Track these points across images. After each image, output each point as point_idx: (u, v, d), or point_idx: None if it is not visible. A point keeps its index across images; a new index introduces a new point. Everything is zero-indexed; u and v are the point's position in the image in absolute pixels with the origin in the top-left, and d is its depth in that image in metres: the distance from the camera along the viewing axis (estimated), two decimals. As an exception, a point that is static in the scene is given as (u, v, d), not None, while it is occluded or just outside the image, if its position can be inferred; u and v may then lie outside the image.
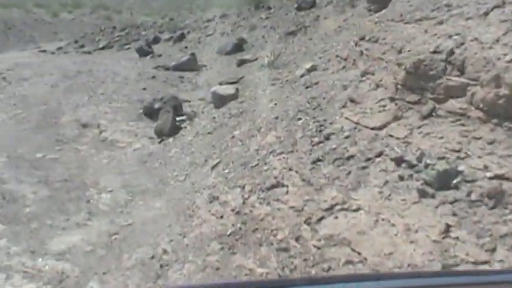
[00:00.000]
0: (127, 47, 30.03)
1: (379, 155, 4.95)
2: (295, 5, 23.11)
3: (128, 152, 8.04)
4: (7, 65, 24.51)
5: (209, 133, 7.45)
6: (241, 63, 15.52)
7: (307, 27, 18.74)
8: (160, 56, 22.78)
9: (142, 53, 23.18)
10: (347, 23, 15.59)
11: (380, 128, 5.36)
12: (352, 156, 5.11)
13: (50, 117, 10.07)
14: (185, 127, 8.71)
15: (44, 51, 35.38)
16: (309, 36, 16.85)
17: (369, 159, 4.96)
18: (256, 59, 15.43)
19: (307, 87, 7.09)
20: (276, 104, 7.15)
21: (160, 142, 8.31)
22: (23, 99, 12.45)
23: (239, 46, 19.14)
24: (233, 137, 6.79)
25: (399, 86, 5.56)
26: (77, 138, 8.89)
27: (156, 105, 9.52)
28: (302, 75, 7.82)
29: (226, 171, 5.89)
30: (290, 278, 3.98)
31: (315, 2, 22.69)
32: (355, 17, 16.00)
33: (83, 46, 34.26)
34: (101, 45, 32.19)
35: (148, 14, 62.84)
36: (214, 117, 8.28)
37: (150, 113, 9.58)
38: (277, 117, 6.48)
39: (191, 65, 17.01)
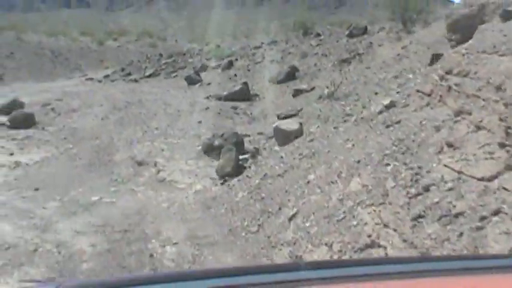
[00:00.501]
0: (174, 74, 29.74)
1: (496, 213, 4.20)
2: (347, 32, 22.52)
3: (189, 195, 7.42)
4: (55, 94, 24.38)
5: (279, 176, 6.77)
6: (297, 93, 14.88)
7: (361, 54, 18.06)
8: (209, 84, 22.35)
9: (191, 81, 22.79)
10: (407, 51, 14.85)
11: (490, 179, 4.60)
12: (461, 214, 4.36)
13: (102, 153, 9.57)
14: (249, 167, 8.05)
15: (91, 79, 35.42)
16: (365, 64, 16.16)
17: (483, 218, 4.21)
18: (312, 89, 14.80)
19: (387, 126, 6.39)
20: (353, 145, 6.46)
21: (223, 183, 7.67)
22: (73, 133, 12.05)
23: (291, 74, 18.55)
24: (308, 182, 6.10)
25: (510, 130, 4.82)
26: (132, 178, 8.32)
27: (216, 142, 8.91)
28: (380, 112, 7.11)
29: (307, 224, 5.21)
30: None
31: (366, 28, 22.06)
32: (414, 45, 15.29)
33: (129, 74, 34.17)
34: (147, 73, 32.03)
35: (193, 41, 63.21)
36: (281, 157, 7.60)
37: (210, 151, 8.96)
38: (359, 161, 5.78)
39: (244, 95, 16.46)
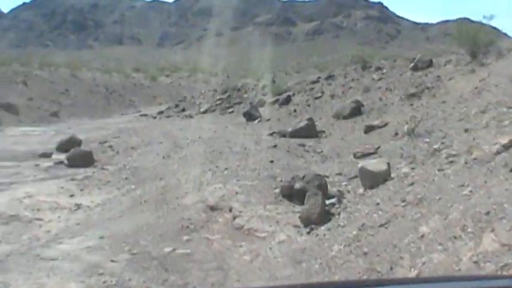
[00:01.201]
0: (230, 110, 29.12)
1: None
2: (410, 65, 21.53)
3: (273, 246, 6.52)
4: (111, 131, 23.98)
5: (381, 226, 5.82)
6: (369, 129, 13.92)
7: (430, 88, 17.03)
8: (268, 120, 21.61)
9: (250, 117, 22.10)
10: (486, 84, 13.83)
11: None
12: None
13: (169, 196, 8.79)
14: (338, 213, 7.11)
15: (145, 115, 35.20)
16: (439, 99, 15.12)
17: None
18: (385, 125, 13.83)
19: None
20: (471, 192, 5.49)
21: (309, 233, 6.75)
22: (135, 172, 11.37)
23: (357, 109, 17.63)
24: (422, 236, 5.13)
25: None
26: (206, 225, 7.48)
27: (297, 185, 8.00)
28: (497, 153, 6.12)
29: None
30: None
31: (431, 61, 21.04)
32: (493, 77, 14.22)
33: (183, 110, 33.78)
34: (202, 109, 31.54)
35: (245, 76, 62.96)
36: (377, 203, 6.66)
37: (290, 194, 8.06)
38: (488, 213, 4.82)
39: (310, 132, 15.58)
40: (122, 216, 8.22)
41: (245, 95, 32.59)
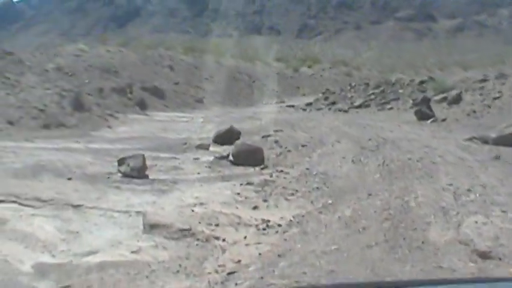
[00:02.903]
0: (389, 106, 26.51)
1: None
2: None
3: None
4: (264, 122, 22.02)
5: None
6: None
7: None
8: (444, 120, 18.71)
9: (422, 116, 19.25)
10: None
11: None
12: None
13: (399, 223, 6.31)
14: None
15: (292, 106, 33.12)
16: None
17: None
18: None
19: None
20: None
21: None
22: (325, 180, 9.02)
23: None
24: None
25: None
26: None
27: None
28: None
29: None
30: None
31: None
32: None
33: (334, 103, 31.44)
34: (356, 103, 29.15)
35: (391, 71, 59.66)
36: None
37: None
38: None
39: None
40: (332, 246, 5.89)
41: (400, 91, 29.89)
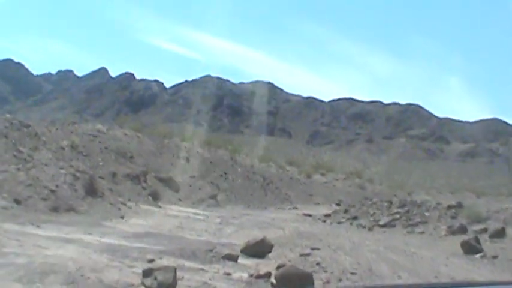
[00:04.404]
0: (419, 230, 24.64)
1: None
2: None
3: None
4: (288, 231, 20.28)
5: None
6: None
7: None
8: (496, 257, 16.77)
9: (470, 249, 17.36)
10: None
11: None
12: None
13: None
14: None
15: (309, 215, 31.33)
16: None
17: None
18: None
19: None
20: None
21: None
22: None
23: None
24: None
25: None
26: None
27: None
28: None
29: None
30: None
31: None
32: None
33: (355, 218, 29.66)
34: (381, 222, 27.36)
35: (392, 188, 58.16)
36: None
37: None
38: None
39: None
40: None
41: (427, 213, 28.16)
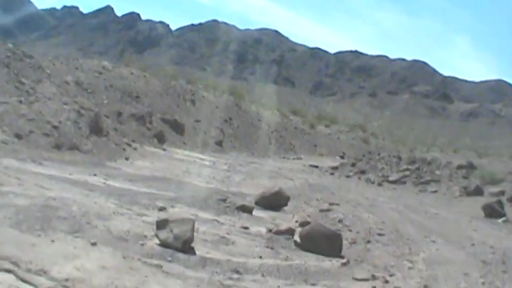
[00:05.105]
0: (431, 189, 23.78)
1: None
2: None
3: None
4: (298, 183, 19.42)
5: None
6: None
7: None
8: (516, 222, 15.88)
9: (491, 212, 16.51)
10: None
11: None
12: None
13: None
14: None
15: (315, 167, 30.52)
16: None
17: None
18: None
19: None
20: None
21: None
22: None
23: None
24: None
25: None
26: None
27: None
28: None
29: None
30: None
31: None
32: None
33: (363, 172, 28.82)
34: (391, 178, 26.54)
35: (395, 142, 57.46)
36: None
37: None
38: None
39: None
40: None
41: (437, 172, 27.34)
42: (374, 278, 7.14)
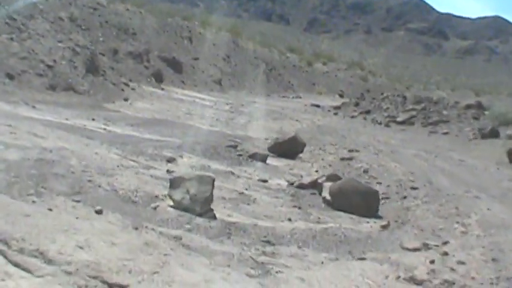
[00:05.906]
0: (442, 131, 22.60)
1: None
2: None
3: None
4: (305, 125, 18.37)
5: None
6: None
7: None
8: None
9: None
10: None
11: None
12: None
13: None
14: None
15: (317, 106, 29.42)
16: None
17: None
18: None
19: None
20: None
21: None
22: None
23: None
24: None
25: None
26: None
27: None
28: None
29: None
30: None
31: None
32: None
33: (368, 112, 27.73)
34: (399, 119, 25.41)
35: (392, 80, 56.49)
36: None
37: None
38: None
39: None
40: None
41: (445, 112, 26.14)
42: (427, 247, 6.07)
